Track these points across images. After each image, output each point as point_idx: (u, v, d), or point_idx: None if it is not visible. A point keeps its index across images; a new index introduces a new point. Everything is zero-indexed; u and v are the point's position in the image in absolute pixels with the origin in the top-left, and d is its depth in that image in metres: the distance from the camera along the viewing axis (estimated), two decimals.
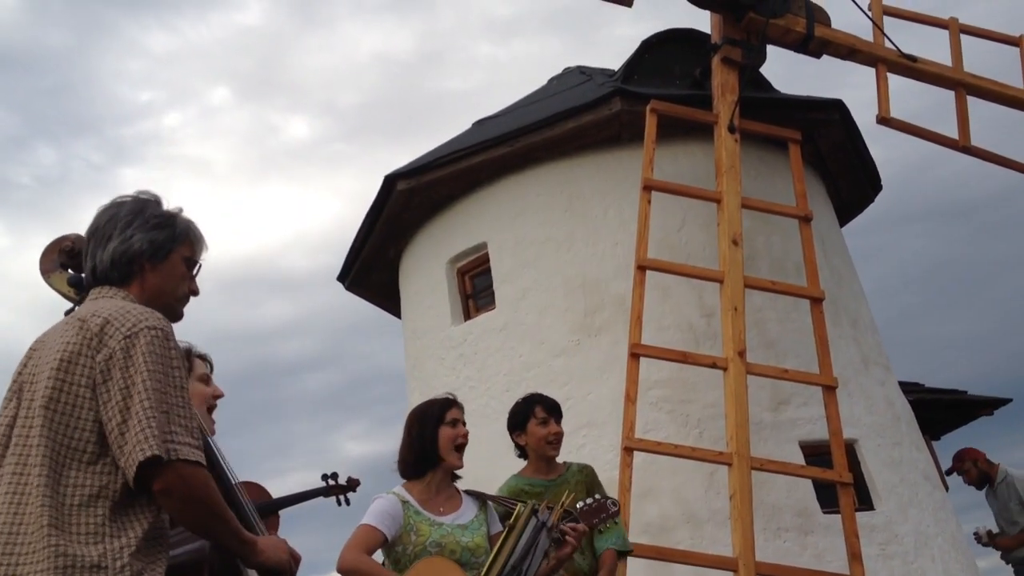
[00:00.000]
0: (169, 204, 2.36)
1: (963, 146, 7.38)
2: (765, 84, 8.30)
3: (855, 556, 5.82)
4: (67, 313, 2.44)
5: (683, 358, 6.25)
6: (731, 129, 6.78)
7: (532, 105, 8.85)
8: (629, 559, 5.39)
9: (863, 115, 7.88)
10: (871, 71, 7.36)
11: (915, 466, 7.39)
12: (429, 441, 3.51)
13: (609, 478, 5.61)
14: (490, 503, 3.66)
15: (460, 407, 3.63)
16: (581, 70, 9.50)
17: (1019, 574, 7.32)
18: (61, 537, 1.90)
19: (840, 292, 7.82)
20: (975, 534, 7.48)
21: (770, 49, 7.21)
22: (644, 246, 6.37)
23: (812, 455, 6.69)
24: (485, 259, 8.01)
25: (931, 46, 7.55)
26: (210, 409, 2.95)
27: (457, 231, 8.25)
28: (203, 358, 3.00)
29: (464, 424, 3.60)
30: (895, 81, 7.38)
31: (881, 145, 23.77)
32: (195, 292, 2.38)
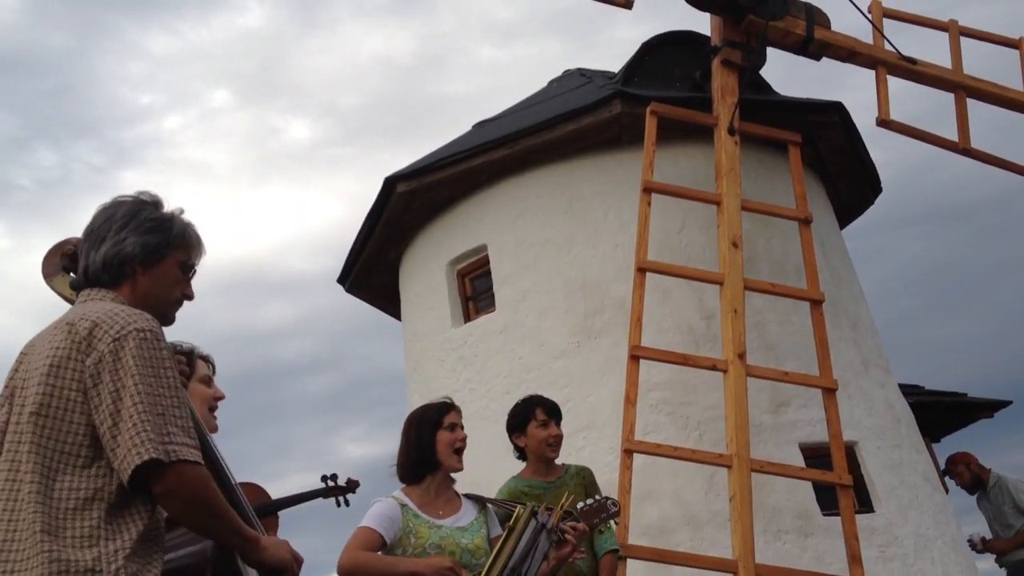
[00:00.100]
0: (170, 206, 2.35)
1: (963, 148, 7.39)
2: (765, 86, 8.31)
3: (855, 558, 5.82)
4: None
5: (683, 360, 6.25)
6: (731, 131, 6.79)
7: (532, 107, 8.85)
8: (629, 561, 5.40)
9: (863, 117, 7.88)
10: (871, 73, 7.37)
11: (915, 468, 7.40)
12: (427, 445, 3.51)
13: (609, 480, 5.62)
14: (490, 506, 3.66)
15: (458, 411, 3.63)
16: (581, 72, 9.50)
17: None
18: (55, 543, 1.89)
19: (840, 294, 7.82)
20: (969, 541, 7.50)
21: (770, 51, 7.21)
22: (644, 248, 6.38)
23: (812, 457, 6.69)
24: (485, 261, 8.02)
25: (931, 48, 7.58)
26: (211, 409, 2.95)
27: (457, 233, 8.26)
28: (206, 360, 3.00)
29: (462, 428, 3.60)
30: (895, 83, 7.39)
31: (881, 147, 23.80)
32: (189, 297, 2.36)
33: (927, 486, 7.45)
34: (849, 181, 8.87)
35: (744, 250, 6.49)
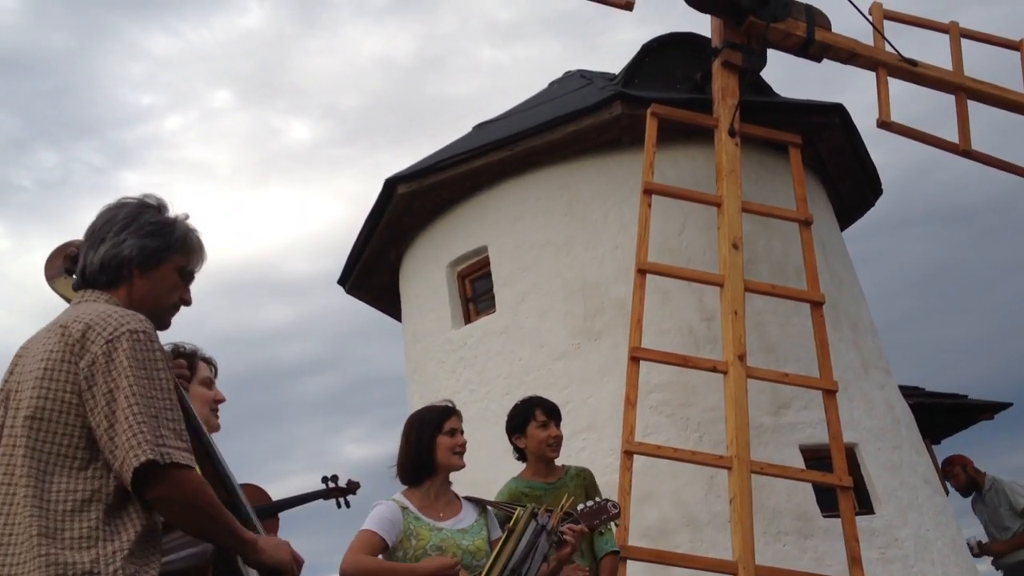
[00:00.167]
0: (174, 210, 2.33)
1: (963, 150, 7.39)
2: (765, 88, 8.31)
3: (855, 560, 5.82)
4: None
5: (683, 362, 6.26)
6: (731, 133, 6.79)
7: (533, 109, 8.86)
8: (629, 563, 5.40)
9: (863, 119, 7.87)
10: (871, 75, 7.37)
11: (915, 470, 7.40)
12: (426, 449, 3.53)
13: (609, 481, 5.62)
14: (490, 508, 3.67)
15: (459, 415, 3.64)
16: (582, 74, 9.50)
17: None
18: (52, 546, 1.89)
19: (840, 296, 7.82)
20: (967, 544, 7.51)
21: (770, 53, 7.22)
22: (644, 250, 6.38)
23: (812, 459, 6.69)
24: (485, 262, 8.02)
25: (931, 50, 7.55)
26: (213, 410, 2.95)
27: (457, 234, 8.26)
28: (208, 362, 3.00)
29: (463, 433, 3.61)
30: (895, 85, 7.39)
31: (881, 149, 23.76)
32: (187, 302, 2.35)
33: (927, 488, 7.45)
34: (849, 183, 8.87)
35: (744, 252, 6.49)
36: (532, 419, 4.26)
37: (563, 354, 7.23)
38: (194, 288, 2.38)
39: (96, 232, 2.26)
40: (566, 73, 9.91)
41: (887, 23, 7.51)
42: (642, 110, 6.99)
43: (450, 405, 3.66)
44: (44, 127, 38.29)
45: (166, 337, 2.47)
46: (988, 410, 11.06)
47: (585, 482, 4.33)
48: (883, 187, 9.16)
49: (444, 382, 7.87)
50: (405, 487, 3.59)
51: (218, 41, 38.09)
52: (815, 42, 7.18)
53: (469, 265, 8.22)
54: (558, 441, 4.28)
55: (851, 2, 7.08)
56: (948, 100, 7.49)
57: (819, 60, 7.36)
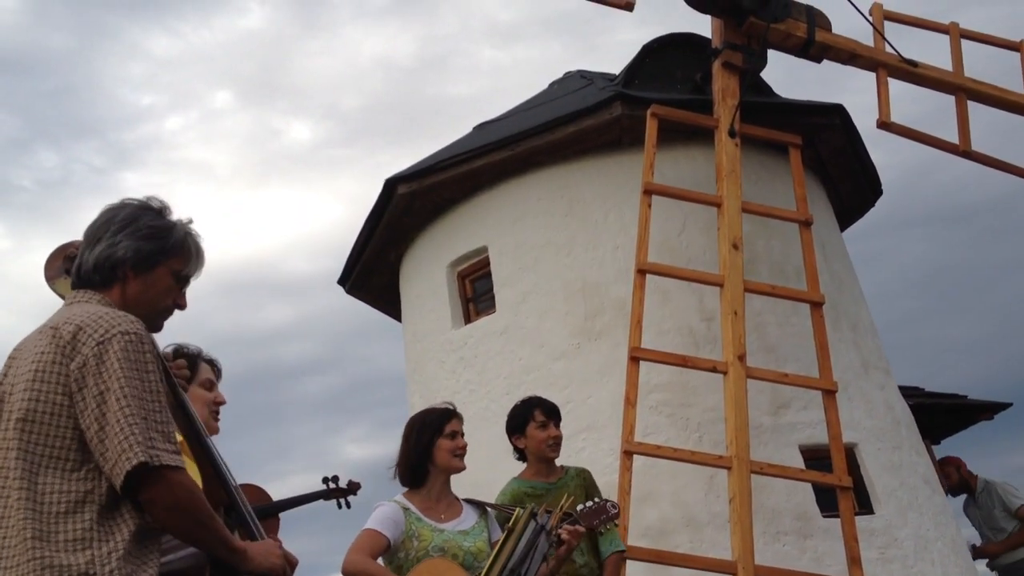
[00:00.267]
0: (177, 214, 2.33)
1: (963, 151, 7.39)
2: (766, 89, 8.32)
3: (854, 560, 5.83)
4: None
5: (683, 362, 6.26)
6: (732, 133, 6.80)
7: (533, 109, 8.86)
8: (629, 563, 5.40)
9: (864, 120, 7.87)
10: (872, 76, 7.37)
11: (915, 470, 7.40)
12: (426, 452, 3.54)
13: (609, 482, 5.63)
14: (490, 510, 3.68)
15: (460, 418, 3.64)
16: (582, 74, 9.51)
17: None
18: (46, 548, 1.89)
19: (840, 296, 7.83)
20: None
21: (771, 54, 7.22)
22: (644, 250, 6.38)
23: (812, 459, 6.70)
24: (485, 263, 8.02)
25: (932, 51, 7.56)
26: (213, 412, 2.95)
27: (458, 235, 8.27)
28: (211, 363, 3.00)
29: (463, 435, 3.62)
30: (896, 86, 7.39)
31: (881, 150, 23.74)
32: (181, 306, 2.34)
33: (927, 488, 7.45)
34: (849, 183, 8.87)
35: (744, 252, 6.49)
36: (531, 419, 4.26)
37: (563, 354, 7.23)
38: (194, 288, 2.37)
39: (94, 232, 2.26)
40: (566, 73, 9.91)
41: (887, 24, 7.51)
42: (642, 111, 7.00)
43: (451, 407, 3.67)
44: (44, 127, 38.26)
45: (165, 338, 2.47)
46: (988, 410, 11.04)
47: (585, 482, 4.34)
48: (883, 188, 9.17)
49: (444, 382, 7.87)
50: (405, 489, 3.60)
51: (219, 42, 38.06)
52: (815, 43, 7.19)
53: (469, 265, 8.23)
54: (558, 441, 4.29)
55: (851, 3, 7.08)
56: (948, 101, 7.49)
57: (819, 61, 7.36)
